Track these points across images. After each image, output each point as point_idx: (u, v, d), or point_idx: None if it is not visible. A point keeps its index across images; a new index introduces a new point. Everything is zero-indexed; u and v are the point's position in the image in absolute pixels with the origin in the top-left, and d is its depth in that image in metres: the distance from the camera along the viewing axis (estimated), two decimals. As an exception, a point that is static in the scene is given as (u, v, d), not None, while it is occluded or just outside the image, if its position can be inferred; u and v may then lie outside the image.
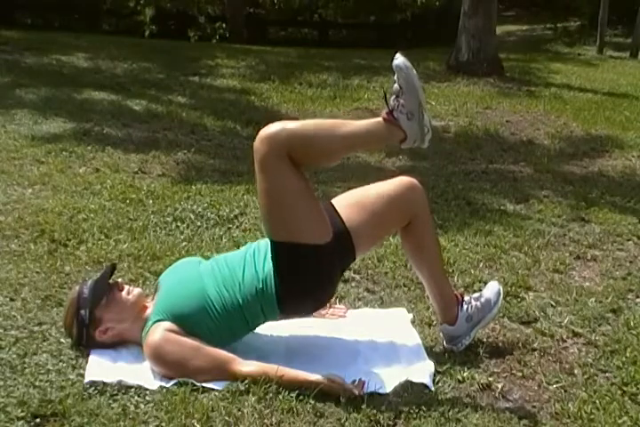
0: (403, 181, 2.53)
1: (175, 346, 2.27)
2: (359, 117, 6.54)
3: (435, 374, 2.36)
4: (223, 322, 2.34)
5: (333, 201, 2.55)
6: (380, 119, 2.33)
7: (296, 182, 2.30)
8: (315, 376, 2.21)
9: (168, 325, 2.31)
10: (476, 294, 2.62)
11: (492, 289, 2.62)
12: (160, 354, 2.27)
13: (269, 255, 2.37)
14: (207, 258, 2.71)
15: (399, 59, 2.29)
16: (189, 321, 2.32)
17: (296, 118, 6.33)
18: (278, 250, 2.34)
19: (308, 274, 2.33)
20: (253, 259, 2.41)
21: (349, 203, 2.51)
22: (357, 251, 2.49)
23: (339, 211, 2.47)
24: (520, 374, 2.44)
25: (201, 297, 2.36)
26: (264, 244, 2.45)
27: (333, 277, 2.44)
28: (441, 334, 2.60)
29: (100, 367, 2.30)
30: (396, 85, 2.30)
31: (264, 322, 2.44)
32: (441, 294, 2.58)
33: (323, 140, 2.31)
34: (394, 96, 2.31)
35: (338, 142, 2.32)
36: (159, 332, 2.29)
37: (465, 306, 2.56)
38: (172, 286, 2.44)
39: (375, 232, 2.53)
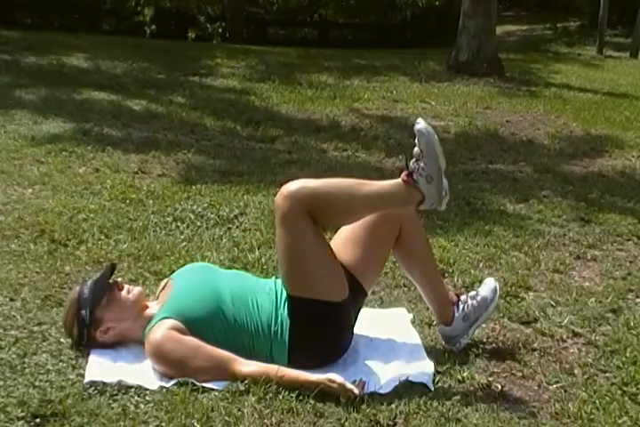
0: None
1: (176, 344, 2.27)
2: (358, 118, 6.52)
3: (435, 374, 2.36)
4: (229, 334, 2.34)
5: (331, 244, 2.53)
6: (399, 181, 2.35)
7: (316, 240, 2.35)
8: (315, 376, 2.21)
9: (173, 323, 2.30)
10: (472, 293, 2.62)
11: (488, 286, 2.62)
12: (161, 352, 2.27)
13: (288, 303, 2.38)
14: (207, 260, 2.72)
15: (421, 124, 2.32)
16: (198, 324, 2.32)
17: (296, 118, 6.34)
18: (294, 304, 2.36)
19: (322, 329, 2.36)
20: (276, 295, 2.41)
21: (342, 242, 2.53)
22: (367, 287, 2.54)
23: (336, 253, 2.47)
24: (520, 374, 2.44)
25: (215, 303, 2.36)
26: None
27: (348, 328, 2.48)
28: (439, 335, 2.60)
29: (100, 367, 2.30)
30: (416, 149, 2.33)
31: (271, 361, 2.35)
32: (435, 296, 2.59)
33: (343, 200, 2.34)
34: (414, 159, 2.34)
35: (357, 202, 2.36)
36: (162, 330, 2.29)
37: (461, 305, 2.56)
38: (186, 288, 2.44)
39: (375, 260, 2.55)
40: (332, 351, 2.44)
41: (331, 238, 2.60)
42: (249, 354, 2.32)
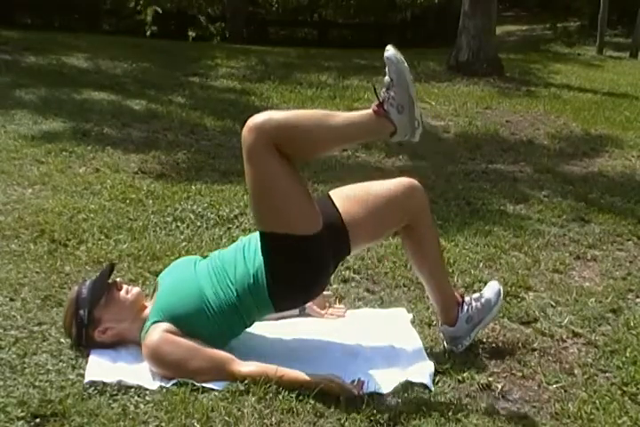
0: (403, 181, 2.52)
1: (173, 347, 2.27)
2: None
3: (435, 374, 2.36)
4: (220, 321, 2.34)
5: (331, 192, 2.53)
6: (370, 111, 2.29)
7: (283, 172, 2.26)
8: (314, 376, 2.21)
9: (166, 326, 2.30)
10: (476, 295, 2.61)
11: (492, 289, 2.62)
12: (158, 355, 2.27)
13: (259, 249, 2.35)
14: (205, 257, 2.71)
15: (390, 51, 2.27)
16: (187, 321, 2.32)
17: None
18: (266, 241, 2.31)
19: (295, 265, 2.31)
20: (243, 254, 2.40)
21: (349, 196, 2.49)
22: (353, 246, 2.47)
23: (336, 203, 2.46)
24: (520, 374, 2.44)
25: (198, 298, 2.35)
26: (255, 238, 2.43)
27: (324, 268, 2.40)
28: (441, 335, 2.60)
29: (100, 367, 2.30)
30: (387, 77, 2.27)
31: (260, 317, 2.44)
32: (441, 295, 2.58)
33: (311, 132, 2.26)
34: (384, 88, 2.28)
35: (326, 133, 2.28)
36: (157, 333, 2.29)
37: (465, 307, 2.55)
38: (169, 286, 2.44)
39: (373, 230, 2.51)
40: (310, 289, 2.40)
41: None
42: (245, 327, 2.40)
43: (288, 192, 2.27)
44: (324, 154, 2.41)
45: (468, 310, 2.54)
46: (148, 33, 12.28)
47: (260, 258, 2.34)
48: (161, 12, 12.29)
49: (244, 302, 2.34)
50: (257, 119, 2.23)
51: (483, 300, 2.57)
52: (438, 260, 2.60)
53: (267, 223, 2.30)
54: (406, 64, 2.28)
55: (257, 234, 2.40)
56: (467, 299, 2.58)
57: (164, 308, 2.35)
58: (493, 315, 2.59)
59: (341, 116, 2.30)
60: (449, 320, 2.55)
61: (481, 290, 2.66)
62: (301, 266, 2.32)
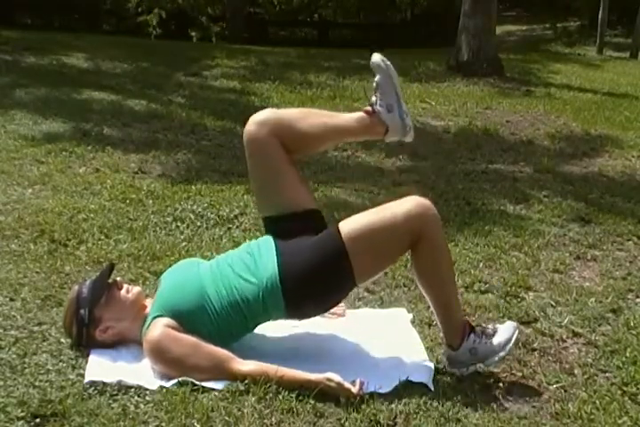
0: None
1: (174, 342, 2.27)
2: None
3: (435, 374, 2.36)
4: (222, 321, 2.34)
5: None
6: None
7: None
8: (314, 376, 2.21)
9: (167, 321, 2.31)
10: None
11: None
12: (159, 350, 2.27)
13: (272, 253, 2.36)
14: (207, 258, 2.72)
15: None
16: (188, 319, 2.32)
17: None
18: (330, 253, 2.32)
19: (328, 288, 2.34)
20: (254, 258, 2.40)
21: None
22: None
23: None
24: (520, 374, 2.44)
25: (199, 297, 2.35)
26: (265, 245, 2.44)
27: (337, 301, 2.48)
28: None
29: (100, 367, 2.30)
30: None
31: (267, 321, 2.43)
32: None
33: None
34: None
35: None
36: (158, 328, 2.29)
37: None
38: (171, 285, 2.44)
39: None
40: (327, 302, 2.41)
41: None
42: (247, 330, 2.40)
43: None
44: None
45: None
46: (153, 35, 12.28)
47: (273, 262, 2.34)
48: (165, 17, 12.31)
49: (252, 306, 2.33)
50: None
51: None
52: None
53: (357, 246, 2.31)
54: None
55: (266, 240, 2.44)
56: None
57: (166, 304, 2.36)
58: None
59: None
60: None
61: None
62: (331, 289, 2.37)
